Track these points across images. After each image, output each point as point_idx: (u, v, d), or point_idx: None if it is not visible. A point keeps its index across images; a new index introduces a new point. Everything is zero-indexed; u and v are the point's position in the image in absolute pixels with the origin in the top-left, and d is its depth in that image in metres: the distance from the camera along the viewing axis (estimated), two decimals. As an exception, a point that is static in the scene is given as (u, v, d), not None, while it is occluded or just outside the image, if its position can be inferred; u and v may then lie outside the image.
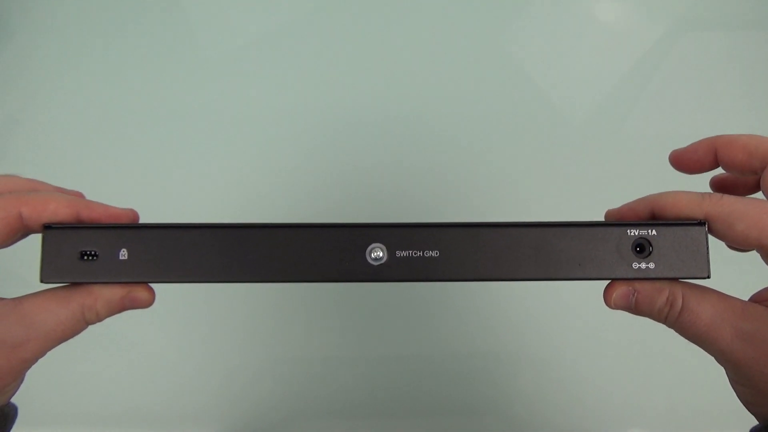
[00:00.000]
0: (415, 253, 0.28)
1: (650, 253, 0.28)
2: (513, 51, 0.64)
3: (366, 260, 0.28)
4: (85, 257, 0.27)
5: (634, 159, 0.60)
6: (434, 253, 0.28)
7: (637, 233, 0.28)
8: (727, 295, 0.27)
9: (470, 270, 0.28)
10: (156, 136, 0.62)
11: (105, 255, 0.27)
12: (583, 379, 0.55)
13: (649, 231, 0.28)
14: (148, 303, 0.29)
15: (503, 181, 0.60)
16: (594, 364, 0.56)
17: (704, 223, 0.27)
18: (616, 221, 0.28)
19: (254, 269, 0.28)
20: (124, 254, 0.27)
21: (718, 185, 0.33)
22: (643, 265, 0.28)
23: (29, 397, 0.55)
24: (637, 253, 0.28)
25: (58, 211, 0.27)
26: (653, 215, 0.28)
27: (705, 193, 0.27)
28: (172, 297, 0.56)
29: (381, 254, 0.28)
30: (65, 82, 0.64)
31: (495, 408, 0.55)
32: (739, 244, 0.26)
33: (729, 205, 0.26)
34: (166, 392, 0.56)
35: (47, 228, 0.27)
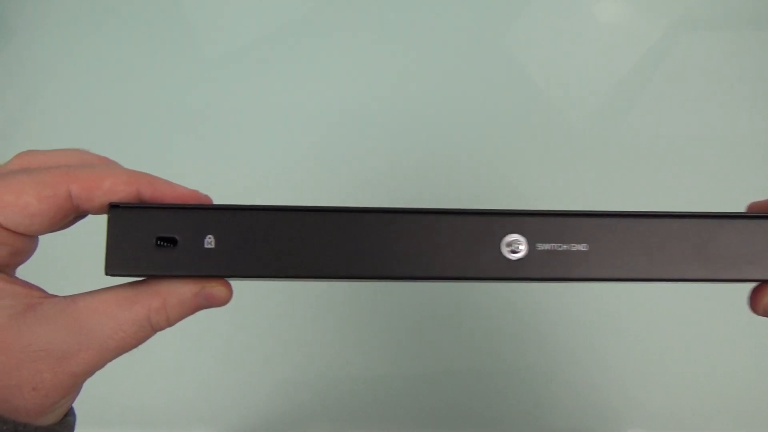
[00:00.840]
0: (560, 247, 0.23)
1: None
2: (513, 51, 0.64)
3: (501, 254, 0.23)
4: (162, 244, 0.23)
5: (634, 158, 0.60)
6: (582, 247, 0.23)
7: None
8: None
9: (623, 268, 0.23)
10: (156, 136, 0.62)
11: (186, 242, 0.23)
12: (583, 379, 0.55)
13: None
14: (225, 301, 0.24)
15: (503, 181, 0.60)
16: (594, 364, 0.56)
17: None
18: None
19: (373, 264, 0.23)
20: (210, 242, 0.23)
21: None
22: None
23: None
24: None
25: (116, 188, 0.22)
26: None
27: None
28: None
29: (520, 247, 0.23)
30: (65, 82, 0.64)
31: (494, 408, 0.55)
32: None
33: None
34: (166, 392, 0.56)
35: (114, 207, 0.23)
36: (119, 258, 0.23)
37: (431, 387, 0.56)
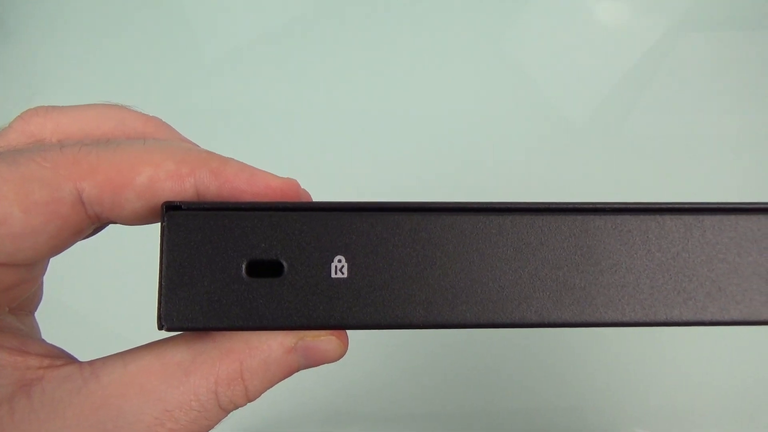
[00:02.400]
0: None
1: None
2: (512, 51, 0.64)
3: None
4: (258, 273, 0.14)
5: (634, 159, 0.60)
6: None
7: None
8: None
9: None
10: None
11: (299, 269, 0.14)
12: (583, 379, 0.55)
13: None
14: (336, 357, 0.16)
15: (502, 182, 0.60)
16: (594, 363, 0.56)
17: None
18: None
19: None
20: (340, 267, 0.14)
21: None
22: None
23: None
24: None
25: (158, 184, 0.13)
26: None
27: None
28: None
29: None
30: (65, 82, 0.64)
31: (494, 407, 0.55)
32: None
33: None
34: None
35: (172, 209, 0.14)
36: (183, 300, 0.14)
37: (431, 386, 0.56)
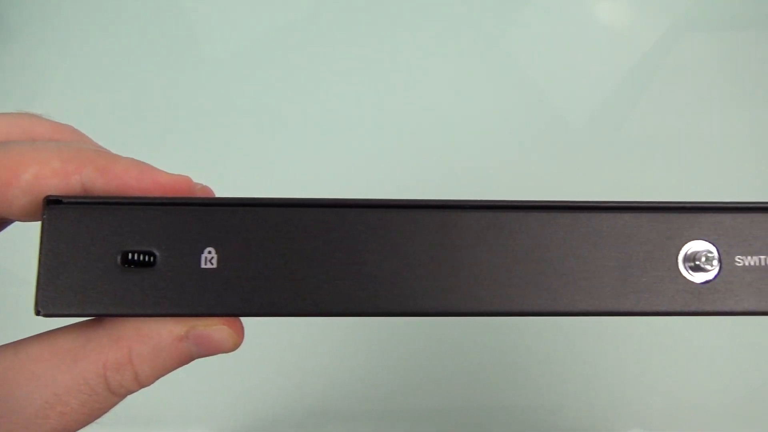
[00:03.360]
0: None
1: None
2: (512, 51, 0.64)
3: (680, 274, 0.15)
4: (132, 264, 0.15)
5: (634, 159, 0.60)
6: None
7: None
8: None
9: None
10: (156, 136, 0.62)
11: (171, 260, 0.15)
12: (583, 378, 0.55)
13: None
14: (230, 347, 0.17)
15: (502, 182, 0.60)
16: (594, 363, 0.56)
17: None
18: None
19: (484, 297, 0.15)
20: (210, 258, 0.15)
21: None
22: None
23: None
24: None
25: (44, 180, 0.14)
26: None
27: None
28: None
29: (710, 264, 0.15)
30: (66, 82, 0.64)
31: (494, 407, 0.55)
32: None
33: None
34: (166, 392, 0.55)
35: (53, 203, 0.15)
36: (59, 288, 0.14)
37: (431, 386, 0.56)
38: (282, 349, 0.57)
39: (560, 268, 0.16)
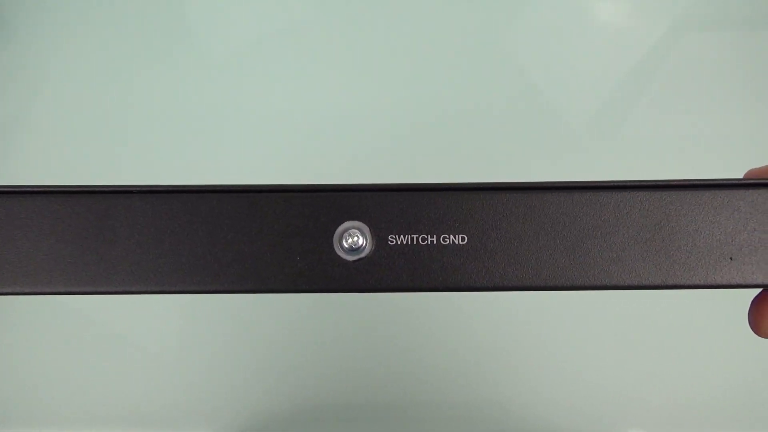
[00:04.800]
0: (423, 239, 0.17)
1: None
2: (512, 51, 0.64)
3: (335, 253, 0.16)
4: None
5: (634, 159, 0.60)
6: (459, 239, 0.17)
7: None
8: None
9: (525, 270, 0.16)
10: (157, 136, 0.62)
11: None
12: (582, 378, 0.55)
13: None
14: None
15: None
16: (593, 363, 0.56)
17: None
18: None
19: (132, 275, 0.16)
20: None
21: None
22: None
23: (30, 397, 0.55)
24: None
25: None
26: None
27: None
28: (172, 296, 0.56)
29: (361, 241, 0.16)
30: (65, 82, 0.64)
31: (494, 408, 0.55)
32: None
33: None
34: (166, 392, 0.56)
35: None
36: None
37: (430, 386, 0.56)
38: (283, 348, 0.57)
39: None
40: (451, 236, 0.16)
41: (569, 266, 0.16)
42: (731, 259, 0.16)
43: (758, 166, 0.19)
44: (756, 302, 0.16)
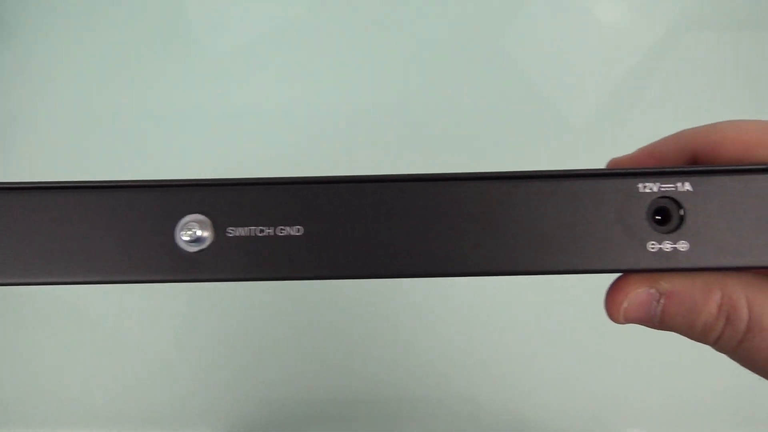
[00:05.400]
0: (260, 231, 0.18)
1: (680, 223, 0.17)
2: (512, 51, 0.64)
3: (176, 245, 0.18)
4: None
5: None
6: (295, 230, 0.17)
7: (655, 189, 0.17)
8: None
9: (358, 259, 0.17)
10: (157, 136, 0.62)
11: None
12: (582, 378, 0.55)
13: (679, 184, 0.17)
14: None
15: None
16: (593, 363, 0.56)
17: None
18: (620, 169, 0.18)
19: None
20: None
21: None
22: (668, 246, 0.16)
23: (30, 397, 0.55)
24: (656, 223, 0.17)
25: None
26: (693, 160, 0.18)
27: None
28: (172, 296, 0.56)
29: (201, 233, 0.18)
30: (65, 82, 0.64)
31: (494, 408, 0.55)
32: None
33: None
34: (166, 392, 0.56)
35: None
36: None
37: (429, 385, 0.56)
38: (283, 349, 0.57)
39: None
40: (288, 228, 0.17)
41: (402, 254, 0.17)
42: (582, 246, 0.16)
43: (620, 156, 0.19)
44: (611, 288, 0.17)
